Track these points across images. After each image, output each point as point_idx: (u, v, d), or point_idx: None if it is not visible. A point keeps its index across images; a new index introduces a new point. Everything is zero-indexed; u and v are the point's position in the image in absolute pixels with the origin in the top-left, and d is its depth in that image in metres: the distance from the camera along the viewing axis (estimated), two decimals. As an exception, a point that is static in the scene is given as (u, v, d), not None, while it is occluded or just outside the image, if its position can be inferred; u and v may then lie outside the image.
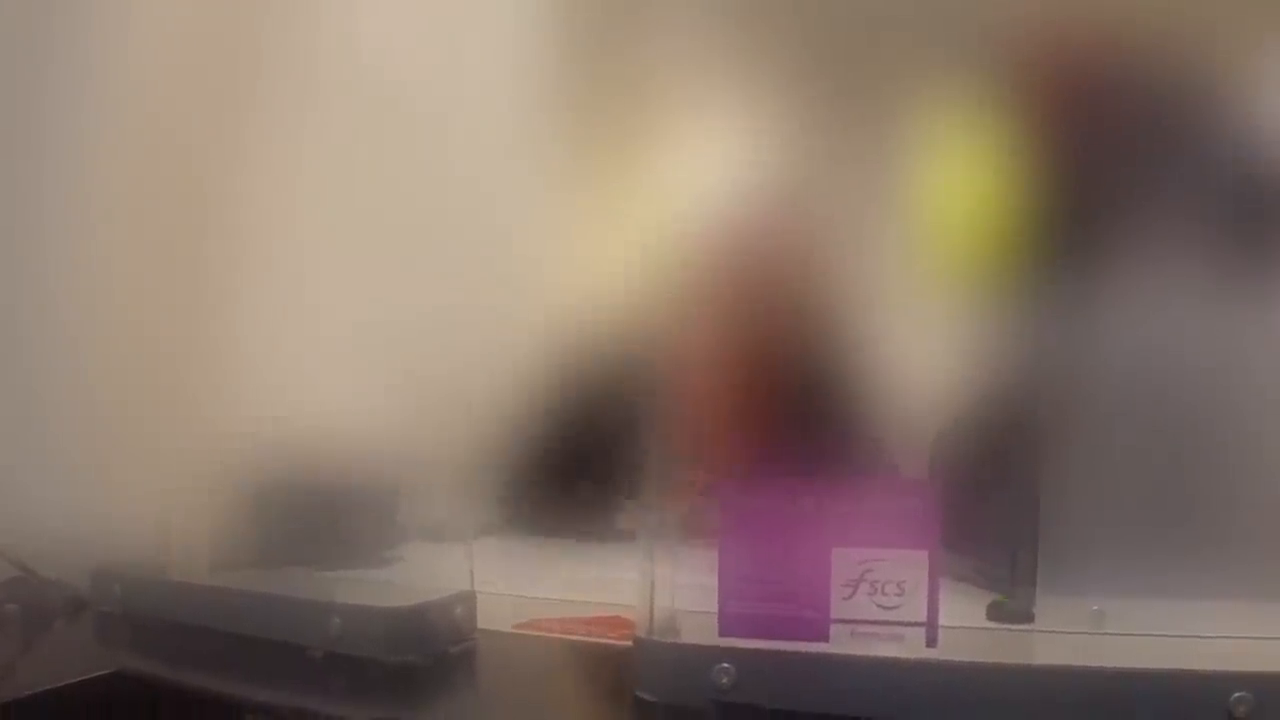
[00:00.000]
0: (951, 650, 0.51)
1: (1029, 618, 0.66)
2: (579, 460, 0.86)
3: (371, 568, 0.71)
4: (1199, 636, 0.60)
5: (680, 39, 0.74)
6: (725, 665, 0.51)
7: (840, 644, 0.51)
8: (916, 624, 0.51)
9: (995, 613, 0.68)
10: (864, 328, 0.71)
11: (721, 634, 0.52)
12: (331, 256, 0.72)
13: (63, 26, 0.78)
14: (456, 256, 0.72)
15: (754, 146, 0.72)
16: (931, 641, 0.51)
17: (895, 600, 0.50)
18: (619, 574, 0.79)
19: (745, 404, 0.69)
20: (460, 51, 0.76)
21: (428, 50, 0.75)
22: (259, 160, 0.74)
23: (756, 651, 0.51)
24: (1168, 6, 0.66)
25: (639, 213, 0.71)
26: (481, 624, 0.64)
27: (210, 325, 0.74)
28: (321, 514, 0.71)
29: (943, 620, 0.51)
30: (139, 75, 0.76)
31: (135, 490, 0.74)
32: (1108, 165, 0.68)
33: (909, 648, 0.51)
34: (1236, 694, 0.47)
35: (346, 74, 0.76)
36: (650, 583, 0.54)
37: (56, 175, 0.77)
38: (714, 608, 0.54)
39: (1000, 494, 0.71)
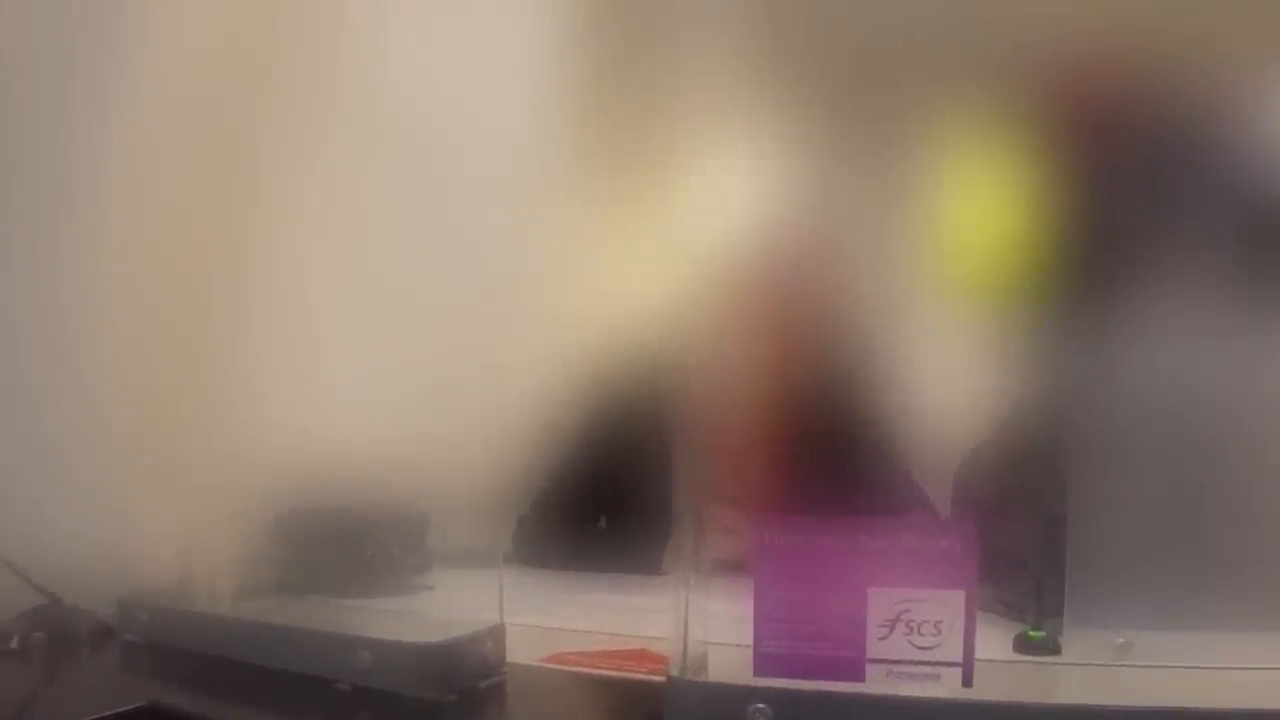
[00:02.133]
0: (979, 682, 0.51)
1: (1056, 649, 0.66)
2: (608, 494, 0.86)
3: (398, 596, 0.71)
4: (1226, 667, 0.60)
5: (704, 65, 0.74)
6: (761, 705, 0.51)
7: (876, 684, 0.51)
8: (952, 664, 0.50)
9: (1022, 644, 0.68)
10: (887, 356, 0.71)
11: (756, 673, 0.52)
12: (359, 283, 0.73)
13: (78, 67, 0.79)
14: (487, 285, 0.72)
15: (777, 174, 0.72)
16: (967, 681, 0.51)
17: (932, 640, 0.50)
18: (641, 604, 0.79)
19: (772, 434, 0.69)
20: (485, 72, 0.76)
21: (454, 69, 0.76)
22: (280, 186, 0.75)
23: (792, 691, 0.51)
24: (1190, 34, 0.66)
25: (668, 239, 0.71)
26: (509, 656, 0.64)
27: (234, 353, 0.74)
28: (348, 542, 0.71)
29: (973, 656, 0.51)
30: (161, 101, 0.76)
31: (161, 518, 0.74)
32: (1130, 191, 0.68)
33: (945, 687, 0.51)
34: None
35: (372, 95, 0.76)
36: (683, 619, 0.54)
37: (77, 210, 0.77)
38: (745, 642, 0.54)
39: (1026, 524, 0.71)
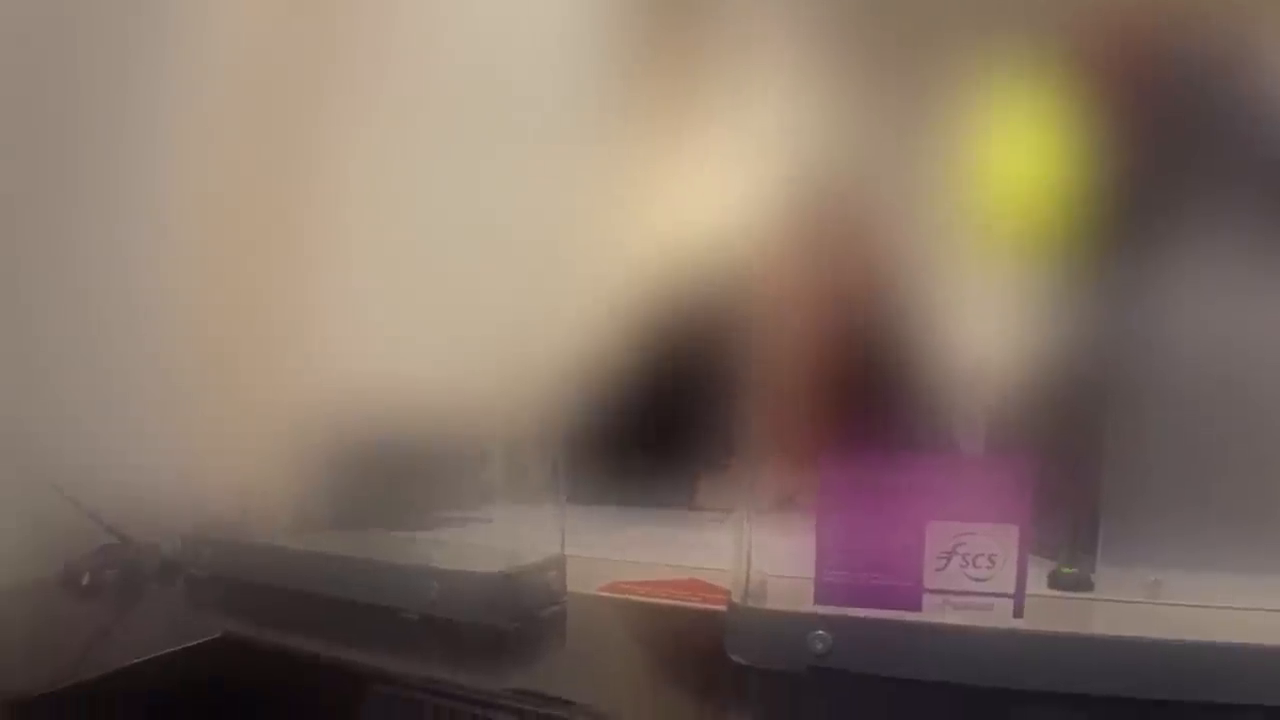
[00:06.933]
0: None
1: (1089, 586, 0.69)
2: (664, 427, 0.87)
3: (457, 528, 0.73)
4: (1254, 609, 0.63)
5: (747, 10, 0.74)
6: (821, 632, 0.53)
7: (932, 613, 0.53)
8: (1005, 595, 0.53)
9: (1056, 580, 0.70)
10: (926, 300, 0.72)
11: (817, 602, 0.54)
12: (414, 220, 0.74)
13: (146, 13, 0.79)
14: (539, 221, 0.73)
15: (821, 119, 0.73)
16: (1018, 612, 0.53)
17: (986, 572, 0.53)
18: (695, 538, 0.81)
19: (820, 373, 0.70)
20: (532, 12, 0.76)
21: (502, 9, 0.76)
22: (333, 128, 0.76)
23: (851, 619, 0.53)
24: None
25: (715, 179, 0.72)
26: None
27: (293, 292, 0.75)
28: (406, 476, 0.72)
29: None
30: (217, 56, 0.77)
31: (223, 456, 0.76)
32: (1170, 142, 0.69)
33: (997, 617, 0.53)
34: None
35: (415, 41, 0.77)
36: (746, 549, 0.56)
37: (138, 150, 0.78)
38: (801, 574, 0.56)
39: (1061, 466, 0.72)
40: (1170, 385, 0.69)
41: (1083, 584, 0.69)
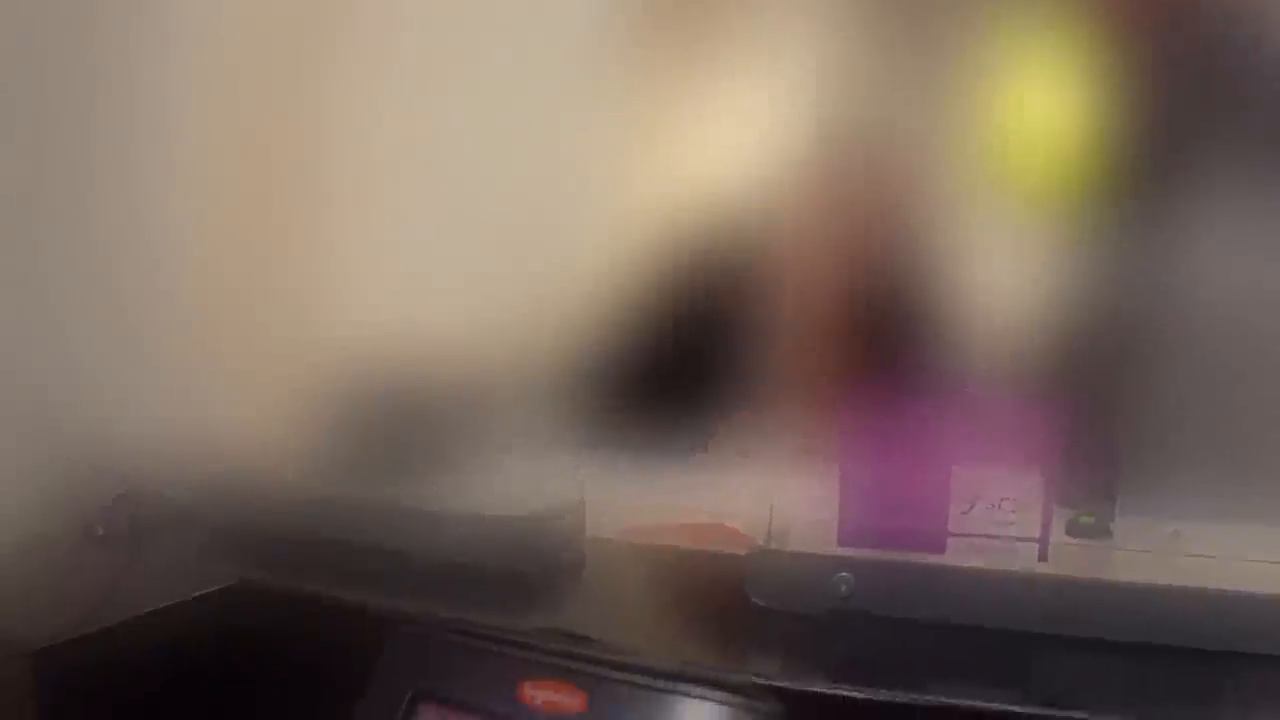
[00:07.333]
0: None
1: (1108, 534, 0.68)
2: (685, 371, 0.86)
3: (475, 474, 0.73)
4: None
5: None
6: (844, 574, 0.53)
7: (956, 556, 0.53)
8: (1030, 540, 0.53)
9: (1075, 528, 0.70)
10: (946, 246, 0.71)
11: (840, 544, 0.54)
12: (430, 162, 0.73)
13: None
14: (555, 169, 0.72)
15: (836, 64, 0.72)
16: (1043, 556, 0.53)
17: (1010, 516, 0.52)
18: (716, 481, 0.81)
19: (840, 323, 0.70)
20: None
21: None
22: (352, 74, 0.75)
23: (874, 561, 0.53)
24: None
25: (731, 129, 0.71)
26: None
27: (307, 239, 0.74)
28: (423, 422, 0.72)
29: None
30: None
31: (237, 401, 0.75)
32: (1192, 86, 0.68)
33: (1021, 561, 0.53)
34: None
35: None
36: (768, 491, 0.56)
37: (150, 91, 0.77)
38: (823, 516, 0.56)
39: (1081, 415, 0.72)
40: (1192, 334, 0.69)
41: (1101, 533, 0.69)
